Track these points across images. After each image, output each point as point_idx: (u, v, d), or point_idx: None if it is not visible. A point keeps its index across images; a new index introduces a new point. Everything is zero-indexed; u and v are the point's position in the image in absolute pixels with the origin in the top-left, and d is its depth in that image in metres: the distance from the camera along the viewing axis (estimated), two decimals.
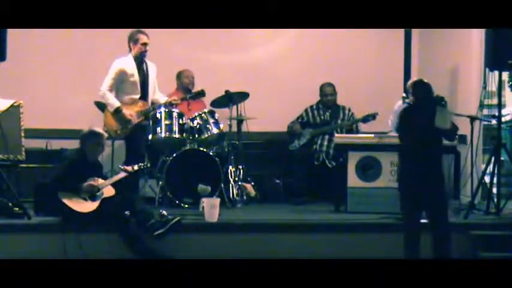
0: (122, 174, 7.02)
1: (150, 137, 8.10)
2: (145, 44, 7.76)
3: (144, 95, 7.87)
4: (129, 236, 6.65)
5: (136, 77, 7.78)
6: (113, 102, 7.73)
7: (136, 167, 7.09)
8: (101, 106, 7.97)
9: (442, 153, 6.47)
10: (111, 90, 7.77)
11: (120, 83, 7.78)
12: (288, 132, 8.83)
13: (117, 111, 7.72)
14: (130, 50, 7.81)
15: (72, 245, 6.59)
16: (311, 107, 8.87)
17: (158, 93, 8.04)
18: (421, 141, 6.24)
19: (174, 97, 8.05)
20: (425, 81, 6.43)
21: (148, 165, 7.33)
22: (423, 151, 6.24)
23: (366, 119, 8.46)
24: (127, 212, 6.80)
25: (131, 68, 7.77)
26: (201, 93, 8.07)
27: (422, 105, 6.36)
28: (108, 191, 6.85)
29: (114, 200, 6.83)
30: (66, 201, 6.66)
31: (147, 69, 7.89)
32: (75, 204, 6.67)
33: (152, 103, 7.95)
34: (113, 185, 6.92)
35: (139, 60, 7.81)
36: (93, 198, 6.76)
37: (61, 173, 6.80)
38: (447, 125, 6.31)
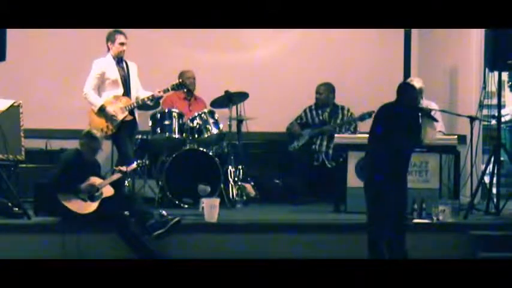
0: (119, 175, 7.03)
1: (149, 136, 8.13)
2: (122, 44, 7.72)
3: (126, 92, 7.83)
4: (129, 236, 6.64)
5: (116, 75, 7.73)
6: (96, 101, 7.68)
7: (134, 165, 7.10)
8: None
9: (407, 161, 6.37)
10: (94, 91, 7.74)
11: (101, 83, 7.75)
12: (288, 133, 8.84)
13: (101, 110, 7.67)
14: (109, 49, 7.79)
15: (72, 245, 6.59)
16: (309, 107, 8.88)
17: (142, 91, 7.97)
18: (389, 146, 6.15)
19: (157, 90, 7.95)
20: (414, 85, 6.32)
21: (147, 162, 7.31)
22: (389, 156, 6.15)
23: (363, 117, 8.46)
24: (126, 212, 6.80)
25: (110, 66, 7.73)
26: (182, 85, 8.01)
27: (403, 109, 6.26)
28: (108, 191, 6.84)
29: (114, 200, 6.82)
30: (65, 203, 6.65)
31: (127, 67, 7.85)
32: (75, 205, 6.67)
33: (136, 98, 7.88)
34: (112, 184, 6.93)
35: (118, 59, 7.79)
36: (92, 198, 6.75)
37: (59, 174, 6.78)
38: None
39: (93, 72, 7.74)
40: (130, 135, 7.82)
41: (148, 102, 7.84)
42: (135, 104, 7.78)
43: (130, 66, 7.88)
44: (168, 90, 7.93)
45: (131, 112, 7.77)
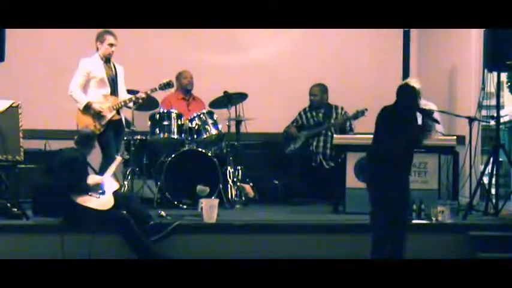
0: (114, 165, 7.05)
1: (148, 137, 8.13)
2: (111, 45, 7.66)
3: (114, 91, 7.78)
4: (131, 237, 6.62)
5: (103, 75, 7.66)
6: (81, 98, 7.59)
7: (119, 158, 7.16)
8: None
9: (409, 164, 6.31)
10: (80, 89, 7.67)
11: (87, 81, 7.67)
12: (285, 136, 8.84)
13: (87, 107, 7.61)
14: (97, 49, 7.75)
15: (71, 245, 6.58)
16: (304, 110, 8.89)
17: (126, 94, 7.93)
18: (389, 148, 6.13)
19: (144, 90, 7.89)
20: (414, 86, 6.28)
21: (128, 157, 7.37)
22: (389, 159, 6.12)
23: (356, 115, 8.47)
24: (124, 212, 6.79)
25: (97, 66, 7.66)
26: (169, 85, 7.97)
27: (401, 110, 6.24)
28: (115, 184, 6.88)
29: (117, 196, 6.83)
30: (83, 203, 6.60)
31: (115, 68, 7.81)
32: (95, 203, 6.63)
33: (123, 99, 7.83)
34: None
35: (106, 60, 7.75)
36: (104, 194, 6.75)
37: (73, 176, 6.73)
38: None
39: (79, 71, 7.65)
40: (116, 136, 7.77)
41: (130, 104, 7.75)
42: (122, 104, 7.73)
43: (118, 69, 7.82)
44: (155, 89, 7.87)
45: (118, 112, 7.74)
